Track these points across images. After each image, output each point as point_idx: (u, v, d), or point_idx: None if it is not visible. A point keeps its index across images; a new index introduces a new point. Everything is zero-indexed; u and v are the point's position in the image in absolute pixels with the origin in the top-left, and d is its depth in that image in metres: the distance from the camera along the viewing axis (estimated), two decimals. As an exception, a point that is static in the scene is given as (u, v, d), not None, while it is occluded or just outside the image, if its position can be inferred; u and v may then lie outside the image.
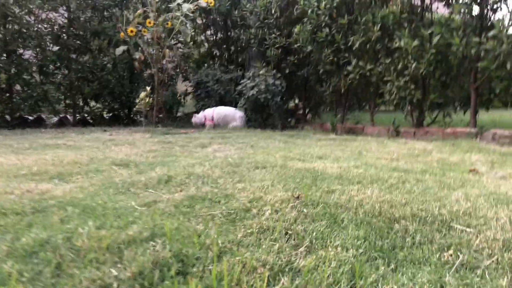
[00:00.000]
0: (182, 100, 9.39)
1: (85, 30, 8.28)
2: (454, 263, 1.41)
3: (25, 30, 7.64)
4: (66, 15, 8.24)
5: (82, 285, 1.21)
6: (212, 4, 7.40)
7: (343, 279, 1.26)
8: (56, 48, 8.20)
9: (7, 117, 7.72)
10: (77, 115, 8.61)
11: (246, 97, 7.21)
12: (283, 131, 6.74)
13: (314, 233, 1.62)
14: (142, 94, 6.64)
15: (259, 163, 3.02)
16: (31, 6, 7.77)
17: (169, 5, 7.62)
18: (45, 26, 7.97)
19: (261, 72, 7.28)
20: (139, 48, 7.56)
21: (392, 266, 1.39)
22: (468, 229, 1.72)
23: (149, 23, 7.13)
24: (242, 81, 7.46)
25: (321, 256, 1.41)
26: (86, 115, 8.79)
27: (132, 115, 9.12)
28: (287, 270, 1.32)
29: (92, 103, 8.88)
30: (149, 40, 7.29)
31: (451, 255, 1.47)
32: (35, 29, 7.87)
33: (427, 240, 1.61)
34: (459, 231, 1.71)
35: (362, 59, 6.67)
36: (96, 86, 8.44)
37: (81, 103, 8.67)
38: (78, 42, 8.41)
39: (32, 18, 7.88)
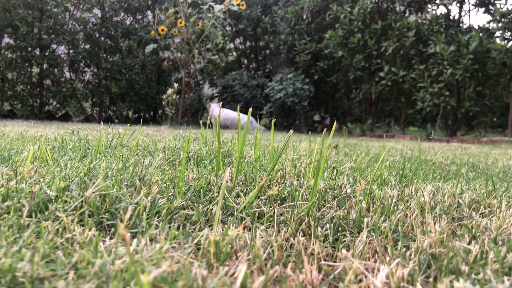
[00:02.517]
0: (207, 104, 9.36)
1: (117, 30, 8.39)
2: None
3: (58, 27, 7.79)
4: (99, 14, 8.39)
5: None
6: (244, 7, 7.41)
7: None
8: (87, 46, 8.33)
9: (36, 111, 7.81)
10: (103, 113, 8.65)
11: (273, 100, 7.11)
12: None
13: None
14: (170, 91, 6.61)
15: (296, 140, 2.88)
16: (67, 4, 7.96)
17: (201, 7, 7.68)
18: (79, 24, 8.12)
19: (289, 76, 7.19)
20: (170, 50, 7.60)
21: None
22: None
23: (180, 23, 7.17)
24: (269, 84, 7.38)
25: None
26: (111, 114, 8.82)
27: (157, 117, 9.12)
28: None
29: (118, 103, 8.93)
30: (179, 42, 7.32)
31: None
32: (69, 26, 8.02)
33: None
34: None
35: (394, 65, 6.53)
36: (124, 85, 8.48)
37: (107, 102, 8.72)
38: (109, 41, 8.53)
39: (67, 15, 8.05)
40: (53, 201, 0.90)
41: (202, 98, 9.01)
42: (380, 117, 8.37)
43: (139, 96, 8.77)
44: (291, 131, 1.05)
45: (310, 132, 1.72)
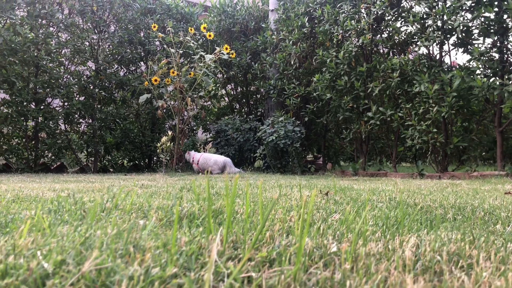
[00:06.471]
0: (202, 149, 9.45)
1: (111, 81, 8.59)
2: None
3: (54, 81, 7.96)
4: (93, 67, 8.61)
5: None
6: (233, 56, 7.65)
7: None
8: (82, 98, 8.48)
9: (31, 164, 7.84)
10: (98, 163, 8.69)
11: (265, 143, 7.22)
12: (303, 176, 6.64)
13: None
14: (164, 139, 6.71)
15: (289, 185, 2.93)
16: (62, 59, 8.19)
17: (192, 57, 7.93)
18: (73, 77, 8.31)
19: (280, 119, 7.34)
20: (163, 99, 7.77)
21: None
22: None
23: (173, 72, 7.39)
24: (261, 128, 7.51)
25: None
26: (107, 163, 8.86)
27: (152, 164, 9.16)
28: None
29: (114, 152, 8.99)
30: (172, 91, 7.52)
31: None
32: (64, 80, 8.21)
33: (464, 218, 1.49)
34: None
35: (382, 105, 6.70)
36: (118, 135, 8.58)
37: (102, 152, 8.77)
38: (103, 93, 8.70)
39: (62, 69, 8.25)
40: (51, 276, 0.94)
41: (196, 144, 9.11)
42: (372, 154, 8.48)
43: (134, 144, 8.86)
44: (276, 195, 1.11)
45: (300, 181, 1.78)
